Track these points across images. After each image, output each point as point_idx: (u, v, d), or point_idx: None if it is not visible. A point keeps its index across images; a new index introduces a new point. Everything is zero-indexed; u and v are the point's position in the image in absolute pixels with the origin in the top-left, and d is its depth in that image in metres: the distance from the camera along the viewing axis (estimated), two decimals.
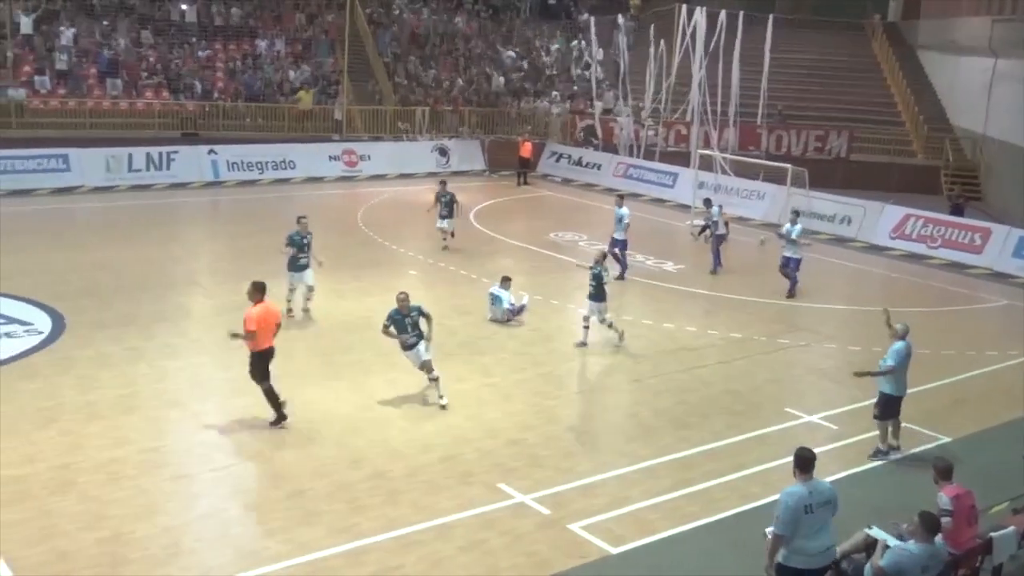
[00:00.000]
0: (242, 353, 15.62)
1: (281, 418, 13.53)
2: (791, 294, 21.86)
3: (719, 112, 33.95)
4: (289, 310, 18.16)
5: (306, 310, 18.56)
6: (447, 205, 24.47)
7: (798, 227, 22.05)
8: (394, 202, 31.60)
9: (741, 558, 10.38)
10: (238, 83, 36.95)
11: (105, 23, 36.89)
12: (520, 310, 19.26)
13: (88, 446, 12.61)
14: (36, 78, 33.47)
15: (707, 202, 25.94)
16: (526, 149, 36.58)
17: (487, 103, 40.71)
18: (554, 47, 44.77)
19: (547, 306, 20.37)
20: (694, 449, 13.60)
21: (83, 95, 33.86)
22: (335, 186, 34.06)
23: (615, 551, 10.81)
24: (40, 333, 16.85)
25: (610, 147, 37.98)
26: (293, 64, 38.90)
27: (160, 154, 32.09)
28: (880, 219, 28.71)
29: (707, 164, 31.59)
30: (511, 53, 43.79)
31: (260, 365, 13.54)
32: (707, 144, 33.46)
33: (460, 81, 41.04)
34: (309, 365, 16.07)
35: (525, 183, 35.71)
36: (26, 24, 34.77)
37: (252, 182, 33.03)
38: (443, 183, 24.75)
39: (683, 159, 34.01)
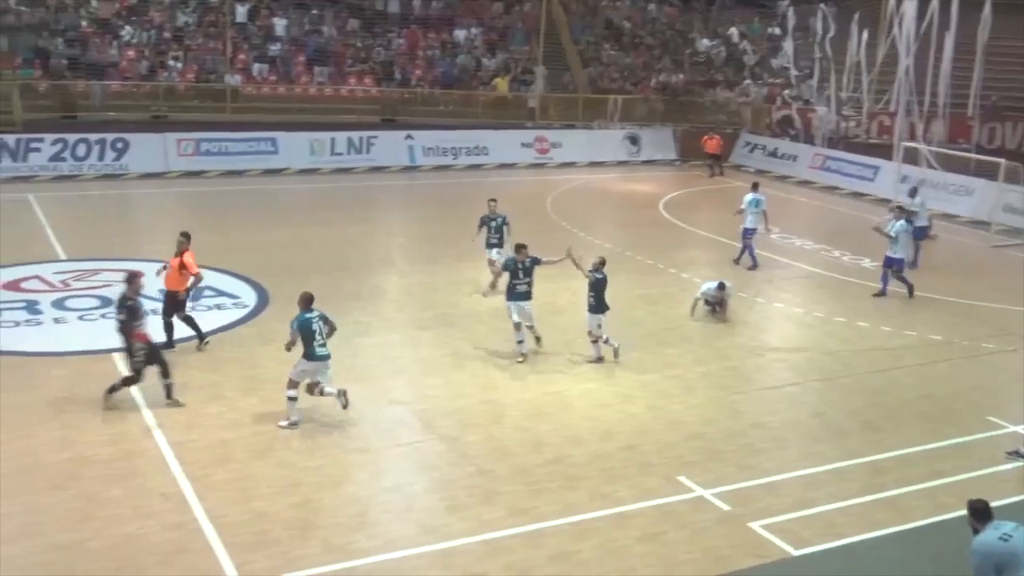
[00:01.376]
0: (437, 334, 16.14)
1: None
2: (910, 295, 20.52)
3: (926, 103, 32.28)
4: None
5: (538, 339, 16.56)
6: (497, 230, 19.92)
7: (900, 224, 20.44)
8: (584, 190, 31.69)
9: (937, 570, 9.90)
10: (436, 71, 37.89)
11: (314, 12, 38.53)
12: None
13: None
14: (255, 65, 35.32)
15: (912, 191, 24.54)
16: (712, 145, 35.40)
17: (681, 91, 40.16)
18: (751, 34, 43.68)
19: (734, 299, 19.94)
20: (886, 454, 13.05)
21: (292, 82, 35.54)
22: (526, 172, 34.44)
23: (797, 553, 10.53)
24: (246, 306, 17.86)
25: (807, 138, 36.76)
26: (488, 52, 39.55)
27: (360, 138, 33.30)
28: None
29: (912, 157, 30.13)
30: (707, 41, 43.02)
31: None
32: (912, 136, 31.88)
33: (655, 69, 40.65)
34: (495, 349, 16.33)
35: (720, 174, 34.81)
36: (241, 14, 36.75)
37: (446, 167, 33.81)
38: (492, 202, 20.25)
39: (885, 152, 32.54)
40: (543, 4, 38.27)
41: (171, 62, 34.06)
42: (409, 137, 34.05)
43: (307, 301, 13.16)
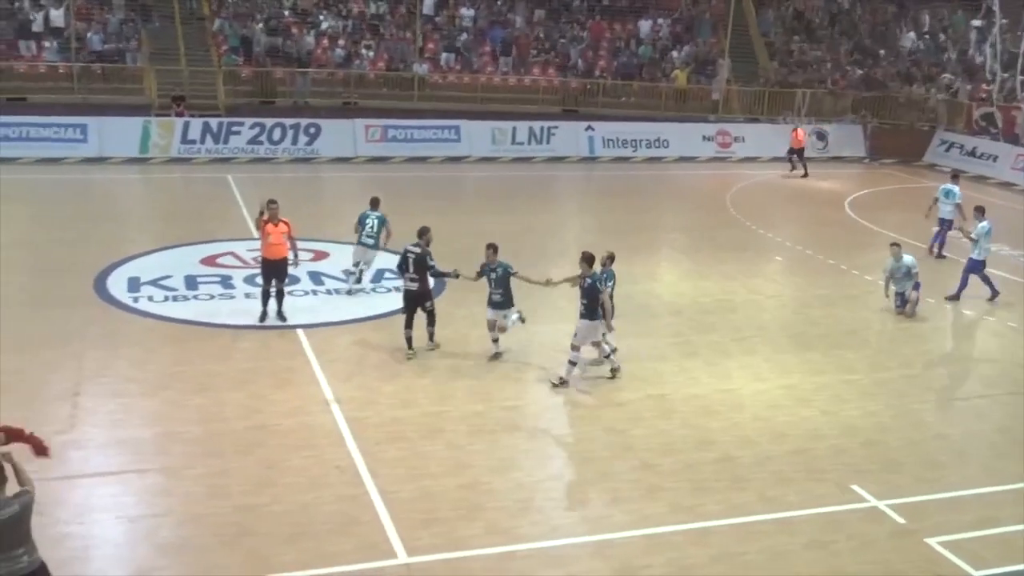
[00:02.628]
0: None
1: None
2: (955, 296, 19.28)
3: None
4: None
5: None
6: (500, 283, 14.86)
7: (983, 224, 19.27)
8: (765, 185, 30.96)
9: None
10: (618, 62, 37.75)
11: (500, 3, 39.04)
12: None
13: (456, 398, 13.58)
14: (443, 55, 36.14)
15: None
16: (797, 138, 32.68)
17: (874, 86, 38.61)
18: (953, 27, 41.51)
19: (921, 304, 19.08)
20: None
21: (476, 71, 36.17)
22: (706, 166, 33.93)
23: (976, 573, 10.01)
24: None
25: (1010, 137, 34.65)
26: (673, 44, 39.11)
27: (541, 128, 33.60)
28: None
29: None
30: (909, 34, 41.12)
31: None
32: None
33: (846, 63, 39.23)
34: (666, 343, 16.21)
35: (805, 174, 32.05)
36: (429, 5, 37.62)
37: (625, 159, 33.69)
38: (491, 249, 15.03)
39: None
40: None
41: (364, 51, 35.25)
42: (589, 128, 34.10)
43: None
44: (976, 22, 39.90)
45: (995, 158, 34.15)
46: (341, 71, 34.50)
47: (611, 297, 14.39)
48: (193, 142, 30.06)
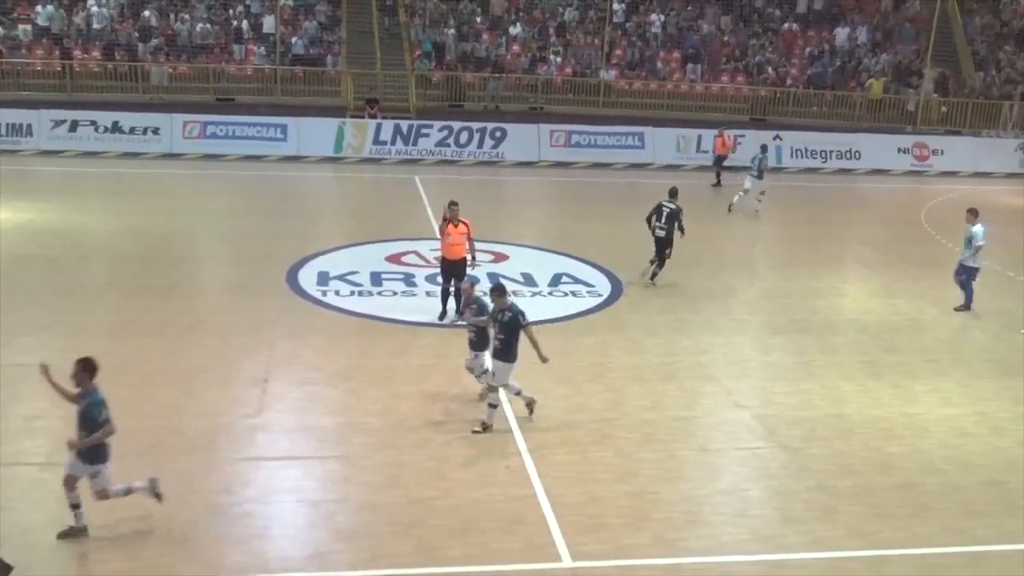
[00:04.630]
0: (789, 339, 15.77)
1: None
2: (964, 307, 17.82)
3: None
4: None
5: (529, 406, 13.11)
6: (506, 328, 12.55)
7: (978, 227, 17.63)
8: (965, 202, 29.17)
9: None
10: (812, 70, 36.66)
11: (690, 9, 38.61)
12: None
13: (628, 405, 13.49)
14: (626, 62, 36.10)
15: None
16: (723, 145, 29.99)
17: None
18: None
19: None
20: None
21: (663, 78, 35.88)
22: (901, 180, 32.50)
23: None
24: (600, 295, 18.31)
25: None
26: (871, 52, 37.68)
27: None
28: None
29: None
30: None
31: None
32: None
33: None
34: (849, 361, 15.61)
35: (717, 183, 29.43)
36: (620, 11, 37.61)
37: (815, 170, 32.68)
38: (498, 294, 12.84)
39: None
40: (937, 1, 35.78)
41: (551, 56, 35.58)
42: (777, 137, 33.24)
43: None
44: None
45: None
46: (528, 76, 34.92)
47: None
48: (384, 143, 31.08)
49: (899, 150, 33.67)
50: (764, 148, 27.21)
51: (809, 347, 16.13)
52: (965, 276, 18.32)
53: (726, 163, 29.85)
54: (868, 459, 12.27)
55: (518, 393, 12.75)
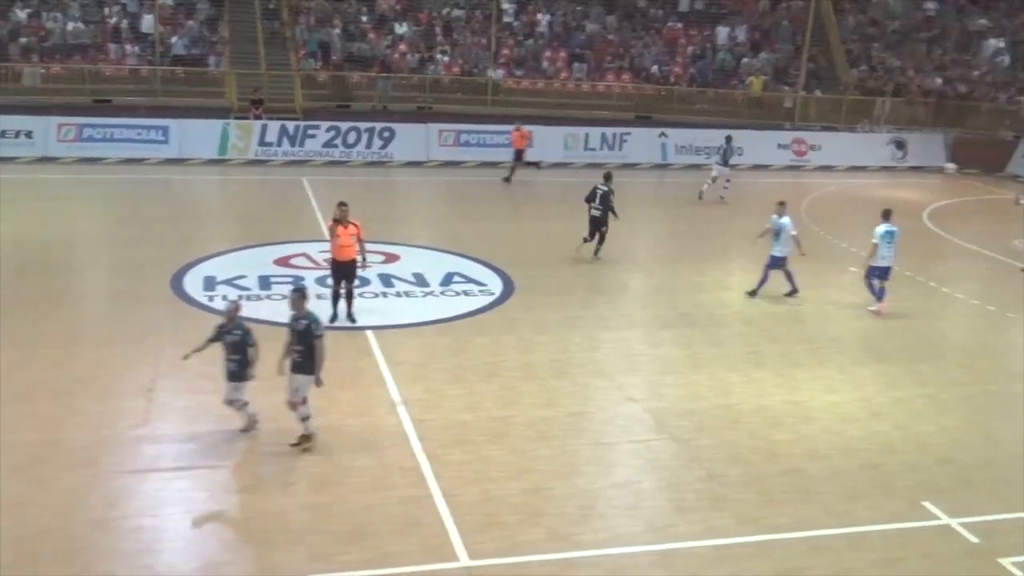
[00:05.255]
0: (677, 333, 16.10)
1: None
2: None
3: None
4: None
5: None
6: (236, 348, 12.06)
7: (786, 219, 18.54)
8: (842, 195, 30.42)
9: None
10: (694, 68, 37.46)
11: (578, 9, 39.01)
12: None
13: (522, 403, 13.58)
14: (513, 61, 36.27)
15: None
16: (519, 138, 29.78)
17: (958, 94, 37.70)
18: None
19: (1000, 319, 18.63)
20: None
21: (550, 77, 36.18)
22: (781, 175, 33.46)
23: None
24: (492, 294, 18.39)
25: None
26: (750, 51, 38.68)
27: (614, 135, 33.49)
28: None
29: None
30: (995, 41, 40.09)
31: None
32: None
33: (929, 70, 38.39)
34: (735, 352, 16.03)
35: (508, 179, 29.42)
36: (508, 10, 37.78)
37: (699, 166, 33.38)
38: (232, 306, 12.56)
39: None
40: (811, 1, 36.95)
41: (439, 56, 35.52)
42: (663, 135, 33.87)
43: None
44: None
45: None
46: (416, 76, 34.79)
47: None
48: (270, 144, 30.58)
49: (779, 146, 34.68)
50: (729, 138, 28.32)
51: (696, 340, 16.50)
52: (772, 264, 18.82)
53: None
54: (755, 447, 12.62)
55: (306, 419, 11.79)
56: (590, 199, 20.83)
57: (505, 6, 37.71)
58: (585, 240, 20.88)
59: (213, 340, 12.06)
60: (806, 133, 35.44)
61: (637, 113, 35.56)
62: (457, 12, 37.66)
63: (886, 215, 18.53)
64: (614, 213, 20.77)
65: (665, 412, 13.58)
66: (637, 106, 35.89)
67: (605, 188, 20.87)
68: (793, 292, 18.89)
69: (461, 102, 34.65)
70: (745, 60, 38.07)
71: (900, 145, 35.53)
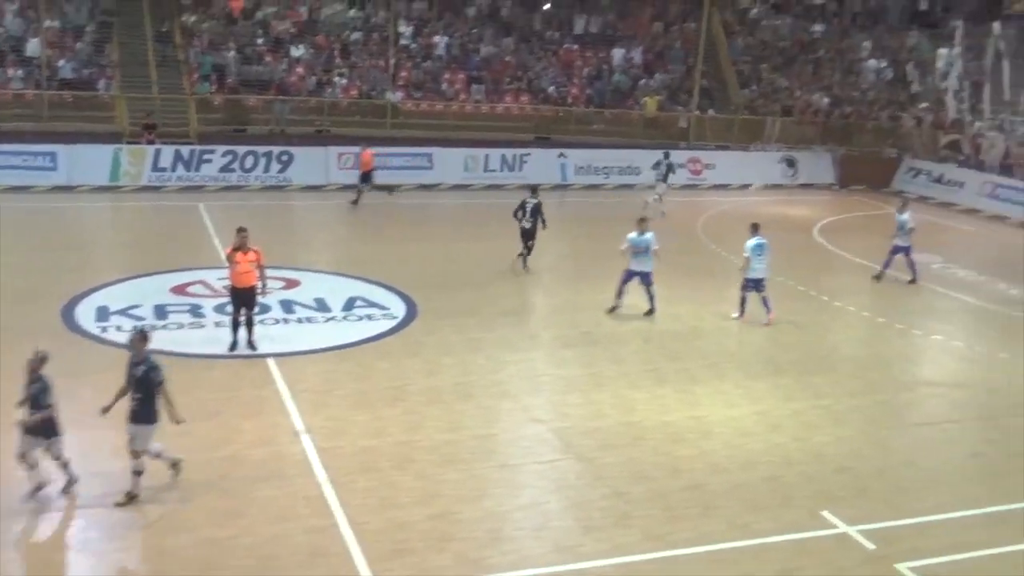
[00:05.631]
0: (579, 352, 16.21)
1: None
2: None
3: None
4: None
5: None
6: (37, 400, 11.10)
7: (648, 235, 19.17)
8: (736, 212, 31.15)
9: None
10: (591, 89, 38.00)
11: (474, 31, 39.24)
12: None
13: (427, 427, 13.52)
14: (412, 83, 36.30)
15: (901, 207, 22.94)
16: (365, 161, 29.41)
17: (843, 114, 39.05)
18: (920, 55, 42.10)
19: (890, 329, 19.29)
20: None
21: (449, 99, 36.29)
22: (678, 193, 34.01)
23: None
24: (395, 318, 18.29)
25: (976, 164, 35.13)
26: (645, 72, 39.43)
27: (514, 156, 33.73)
28: None
29: None
30: (877, 62, 41.66)
31: None
32: None
33: (816, 91, 39.68)
34: (636, 370, 16.24)
35: (356, 201, 28.90)
36: (405, 33, 37.78)
37: (597, 186, 33.86)
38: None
39: None
40: (703, 23, 37.95)
41: (337, 79, 35.30)
42: (562, 155, 34.25)
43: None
44: (941, 51, 40.58)
45: (962, 185, 34.61)
46: (314, 99, 34.53)
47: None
48: (164, 170, 29.94)
49: (677, 165, 35.31)
50: (667, 154, 29.19)
51: (599, 358, 16.67)
52: (627, 277, 19.17)
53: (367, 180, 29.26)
54: (659, 464, 12.79)
55: (158, 455, 11.28)
56: (520, 212, 21.58)
57: (402, 29, 37.72)
58: (520, 254, 21.88)
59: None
60: (701, 152, 36.24)
61: (536, 134, 35.89)
62: (355, 35, 37.53)
63: (755, 229, 19.17)
64: (544, 224, 21.76)
65: (570, 432, 13.68)
66: (536, 127, 36.23)
67: (535, 201, 21.71)
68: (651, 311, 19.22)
69: (360, 125, 34.45)
70: (641, 81, 38.78)
71: (790, 163, 36.60)
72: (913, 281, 22.41)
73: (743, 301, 19.15)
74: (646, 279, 19.06)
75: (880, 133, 38.37)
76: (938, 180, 35.51)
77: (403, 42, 37.66)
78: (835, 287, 22.14)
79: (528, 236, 21.80)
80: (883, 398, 15.71)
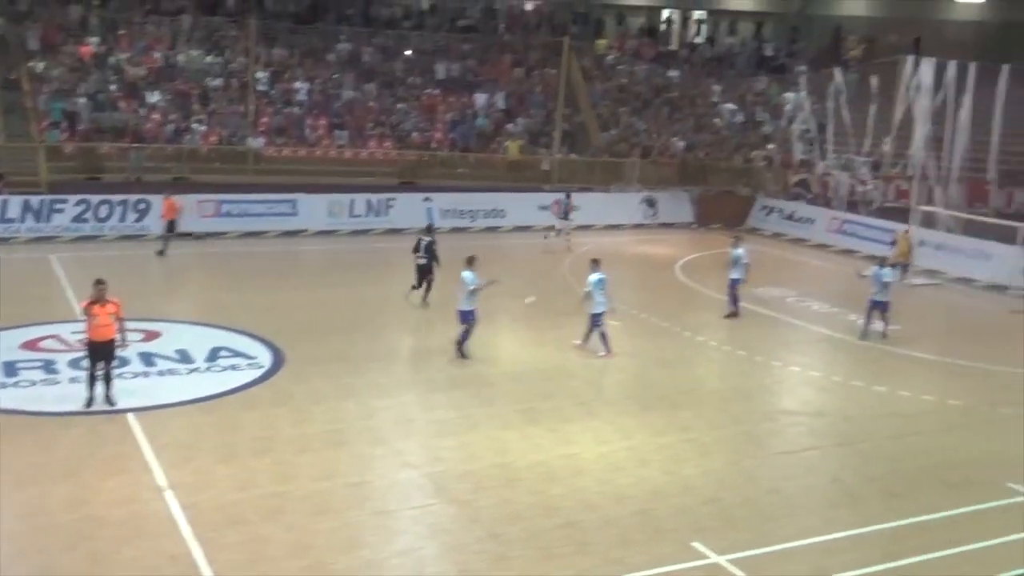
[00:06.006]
0: (450, 395, 16.17)
1: None
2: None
3: (944, 167, 32.42)
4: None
5: None
6: None
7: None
8: (600, 252, 31.63)
9: None
10: (455, 134, 38.32)
11: (335, 76, 39.12)
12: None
13: (299, 476, 13.25)
14: (276, 128, 35.89)
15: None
16: (169, 209, 28.26)
17: (699, 156, 40.40)
18: (769, 99, 44.05)
19: (750, 362, 19.92)
20: (904, 521, 12.88)
21: (312, 144, 36.00)
22: (542, 235, 34.53)
23: None
24: (262, 367, 17.90)
25: (824, 201, 36.84)
26: (508, 116, 40.00)
27: (379, 200, 33.60)
28: None
29: (929, 221, 30.16)
30: (728, 106, 43.36)
31: None
32: (930, 200, 32.00)
33: (672, 133, 40.98)
34: (508, 411, 16.30)
35: (162, 252, 27.58)
36: (264, 79, 37.37)
37: (464, 229, 34.02)
38: None
39: (903, 215, 32.55)
40: (562, 69, 38.72)
41: (195, 125, 34.61)
42: (427, 199, 34.32)
43: None
44: (788, 95, 42.56)
45: (812, 221, 36.19)
46: (172, 146, 33.74)
47: None
48: (12, 221, 28.67)
49: (540, 207, 35.79)
50: (568, 194, 29.69)
51: (471, 401, 16.68)
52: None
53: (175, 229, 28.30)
54: (533, 503, 12.83)
55: None
56: (416, 250, 22.90)
57: (260, 75, 37.29)
58: (413, 288, 22.86)
59: None
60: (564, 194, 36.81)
61: (401, 179, 35.86)
62: (213, 81, 36.91)
63: (595, 264, 19.85)
64: (438, 261, 22.77)
65: (444, 475, 13.61)
66: (401, 172, 36.21)
67: (429, 239, 23.04)
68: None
69: (221, 172, 33.78)
70: (504, 126, 39.31)
71: (651, 203, 37.53)
72: (733, 315, 23.06)
73: (603, 336, 19.50)
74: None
75: (734, 173, 39.82)
76: (790, 217, 37.04)
77: (262, 88, 37.24)
78: (697, 323, 22.77)
79: (424, 272, 22.88)
80: (746, 428, 16.18)
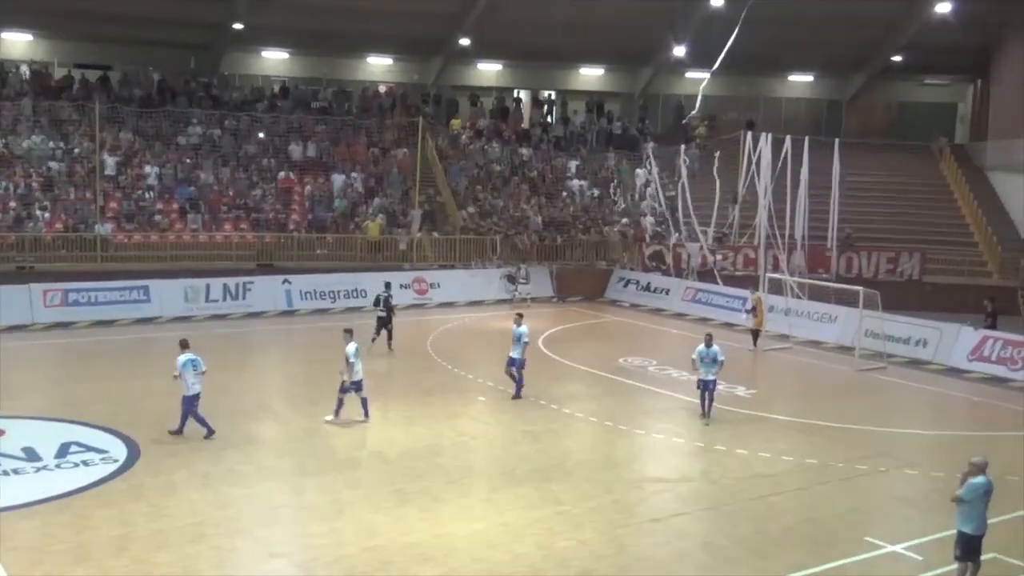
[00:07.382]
0: (317, 480, 15.76)
1: None
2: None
3: (787, 235, 33.98)
4: None
5: None
6: None
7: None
8: (464, 329, 31.85)
9: None
10: (313, 215, 38.01)
11: (188, 160, 38.41)
12: None
13: (157, 575, 12.59)
14: (126, 214, 34.85)
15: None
16: None
17: (556, 231, 41.18)
18: (621, 175, 45.38)
19: (615, 432, 20.15)
20: None
21: (165, 229, 35.08)
22: (406, 313, 34.28)
23: None
24: (115, 461, 17.07)
25: (677, 272, 38.01)
26: (365, 197, 39.97)
27: (237, 284, 32.92)
28: (957, 341, 28.03)
29: (777, 287, 31.43)
30: (579, 182, 44.46)
31: None
32: (776, 268, 33.40)
33: (529, 210, 41.68)
34: (378, 492, 15.98)
35: None
36: (111, 164, 36.37)
37: (325, 310, 33.59)
38: None
39: (753, 283, 33.87)
40: (418, 149, 39.05)
41: (39, 212, 33.31)
42: (286, 282, 33.83)
43: None
44: (639, 171, 44.04)
45: (667, 291, 37.23)
46: (14, 234, 32.33)
47: None
48: None
49: (401, 286, 35.63)
50: (388, 285, 28.76)
51: (337, 484, 16.28)
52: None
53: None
54: None
55: None
56: (376, 303, 27.30)
57: (107, 158, 36.29)
58: (374, 339, 26.24)
59: None
60: (425, 272, 36.92)
61: (259, 261, 35.28)
62: (56, 166, 35.70)
63: (349, 334, 20.41)
64: (393, 312, 27.02)
65: (313, 563, 13.18)
66: (258, 254, 35.62)
67: (387, 294, 27.46)
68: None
69: (68, 259, 32.58)
70: (361, 206, 39.24)
71: (512, 279, 37.92)
72: (517, 396, 22.32)
73: (340, 403, 19.89)
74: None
75: (591, 247, 40.72)
76: (646, 288, 38.01)
77: (110, 173, 36.22)
78: (563, 395, 22.94)
79: (384, 323, 26.82)
80: (616, 498, 16.27)
